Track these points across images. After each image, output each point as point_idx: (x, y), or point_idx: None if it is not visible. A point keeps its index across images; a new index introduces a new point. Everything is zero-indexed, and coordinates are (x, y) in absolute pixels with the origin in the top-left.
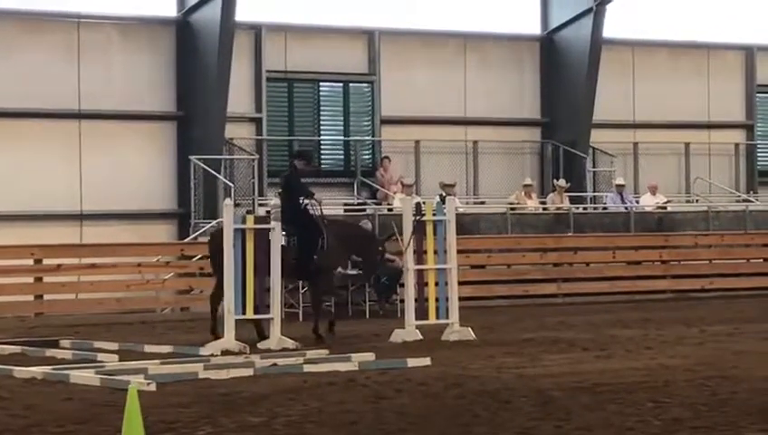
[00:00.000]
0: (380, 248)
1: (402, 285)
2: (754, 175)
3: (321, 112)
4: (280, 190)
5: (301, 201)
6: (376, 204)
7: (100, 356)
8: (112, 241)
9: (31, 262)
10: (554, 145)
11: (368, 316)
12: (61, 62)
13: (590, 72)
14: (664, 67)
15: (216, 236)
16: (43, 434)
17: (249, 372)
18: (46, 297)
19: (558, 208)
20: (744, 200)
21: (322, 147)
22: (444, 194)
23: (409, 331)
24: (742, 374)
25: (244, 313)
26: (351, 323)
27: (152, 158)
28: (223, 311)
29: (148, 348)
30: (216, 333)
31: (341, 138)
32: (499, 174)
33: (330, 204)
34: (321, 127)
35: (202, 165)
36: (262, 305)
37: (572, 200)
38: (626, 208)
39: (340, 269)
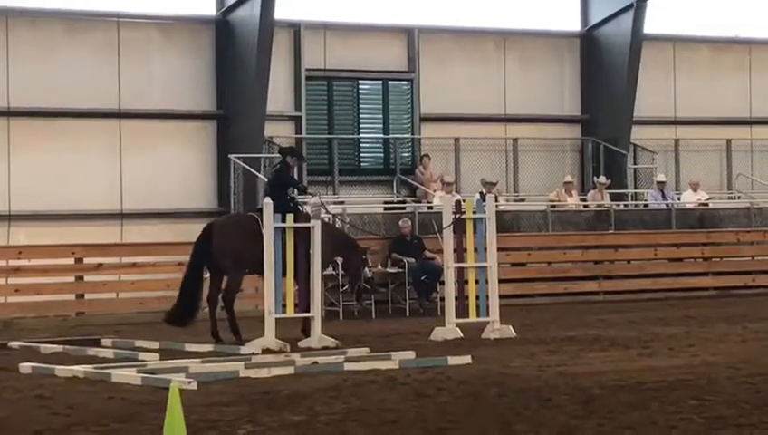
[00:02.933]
0: (363, 258)
1: (442, 283)
2: None
3: (361, 110)
4: (267, 185)
5: (290, 195)
6: (416, 202)
7: (142, 355)
8: (153, 240)
9: (72, 261)
10: (595, 142)
11: (408, 314)
12: (101, 61)
13: (631, 68)
14: (705, 63)
15: (223, 228)
16: (84, 433)
17: (290, 370)
18: (87, 296)
19: (599, 206)
20: None
21: (362, 145)
22: (484, 192)
23: (450, 329)
24: None
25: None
26: (391, 322)
27: (192, 156)
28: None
29: (189, 347)
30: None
31: (381, 136)
32: (539, 171)
33: (369, 202)
34: (361, 125)
35: (242, 163)
36: (303, 303)
37: (613, 197)
38: (667, 205)
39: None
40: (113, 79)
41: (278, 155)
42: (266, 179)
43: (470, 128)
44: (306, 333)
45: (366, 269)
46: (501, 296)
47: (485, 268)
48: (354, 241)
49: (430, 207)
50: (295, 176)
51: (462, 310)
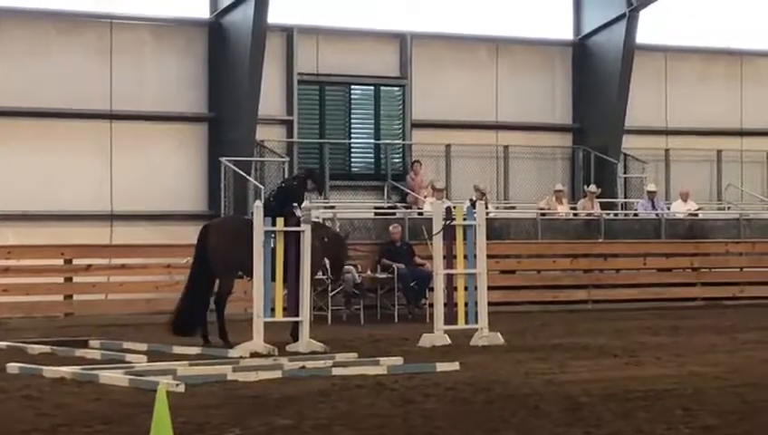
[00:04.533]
0: (348, 252)
1: (431, 290)
2: None
3: (352, 115)
4: (274, 193)
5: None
6: (406, 208)
7: (129, 357)
8: (142, 242)
9: (61, 262)
10: (585, 151)
11: (396, 320)
12: (93, 62)
13: (623, 77)
14: (697, 73)
15: (218, 230)
16: (71, 434)
17: (278, 374)
18: (76, 297)
19: (589, 214)
20: None
21: (353, 150)
22: (474, 198)
23: (438, 335)
24: None
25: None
26: (380, 327)
27: (183, 159)
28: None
29: (177, 349)
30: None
31: (372, 141)
32: (530, 179)
33: (359, 207)
34: (352, 130)
35: (232, 167)
36: (292, 307)
37: (603, 206)
38: (657, 215)
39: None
40: (105, 80)
41: (281, 157)
42: (272, 188)
43: (461, 134)
44: (295, 337)
45: (355, 274)
46: (490, 303)
47: (475, 275)
48: (341, 237)
49: (420, 214)
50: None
51: (451, 316)
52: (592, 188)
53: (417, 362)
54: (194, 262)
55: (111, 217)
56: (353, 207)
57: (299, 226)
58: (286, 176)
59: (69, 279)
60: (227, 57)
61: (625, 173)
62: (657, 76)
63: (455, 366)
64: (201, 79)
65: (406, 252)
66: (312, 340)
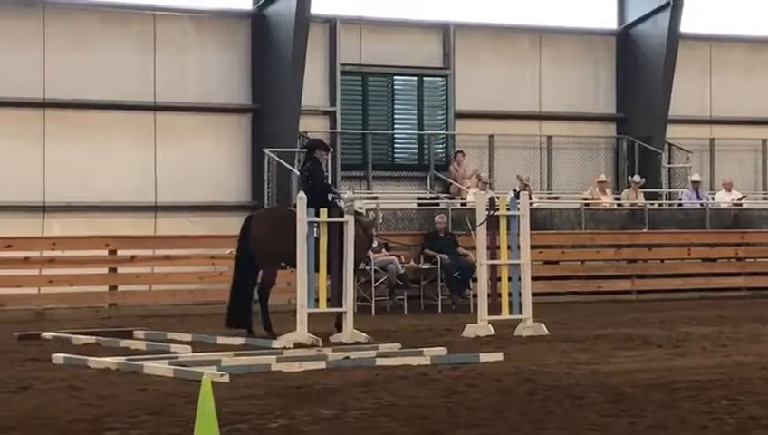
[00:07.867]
0: (369, 234)
1: (475, 280)
2: None
3: (395, 106)
4: (305, 187)
5: (330, 196)
6: (449, 198)
7: (174, 347)
8: (186, 233)
9: (105, 253)
10: (629, 141)
11: (440, 311)
12: (136, 54)
13: (667, 67)
14: (742, 63)
15: (261, 220)
16: (116, 424)
17: (321, 364)
18: (120, 288)
19: (633, 205)
20: None
21: (396, 140)
22: (517, 188)
23: (482, 326)
24: None
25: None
26: (424, 318)
27: (226, 150)
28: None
29: (221, 340)
30: (271, 330)
31: (415, 132)
32: (573, 169)
33: (402, 197)
34: (395, 121)
35: (276, 158)
36: (335, 298)
37: (647, 196)
38: (701, 205)
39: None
40: (149, 72)
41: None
42: (300, 179)
43: (504, 125)
44: (339, 327)
45: (398, 265)
46: (533, 294)
47: (518, 266)
48: (370, 222)
49: (464, 204)
50: (323, 168)
51: (494, 307)
52: (636, 178)
53: (460, 352)
54: (237, 253)
55: (155, 209)
56: (396, 198)
57: (341, 216)
58: (328, 167)
59: (113, 270)
60: (270, 48)
61: (669, 163)
62: (702, 65)
63: (498, 357)
64: (244, 70)
65: (449, 242)
66: (356, 330)
